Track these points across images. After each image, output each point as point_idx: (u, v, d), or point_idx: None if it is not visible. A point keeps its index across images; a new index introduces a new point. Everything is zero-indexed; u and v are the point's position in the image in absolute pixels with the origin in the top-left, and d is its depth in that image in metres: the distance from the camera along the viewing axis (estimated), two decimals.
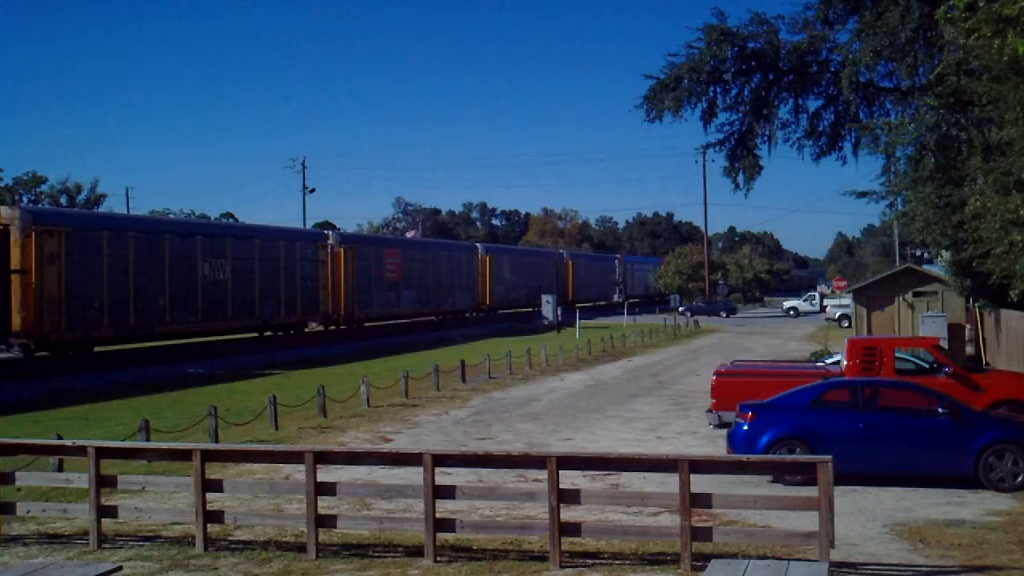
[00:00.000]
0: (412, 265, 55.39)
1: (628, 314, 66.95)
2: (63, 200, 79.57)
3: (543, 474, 10.40)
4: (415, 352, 40.50)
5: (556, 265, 78.18)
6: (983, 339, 31.51)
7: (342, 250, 47.43)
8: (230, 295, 39.12)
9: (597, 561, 10.21)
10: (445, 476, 11.81)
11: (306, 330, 46.26)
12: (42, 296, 30.02)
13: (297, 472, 13.08)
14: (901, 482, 13.85)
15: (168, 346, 37.83)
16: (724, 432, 16.34)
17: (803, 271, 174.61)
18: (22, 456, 13.40)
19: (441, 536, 10.46)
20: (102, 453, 11.44)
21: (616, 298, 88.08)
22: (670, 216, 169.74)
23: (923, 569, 9.99)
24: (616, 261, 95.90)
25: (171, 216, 75.29)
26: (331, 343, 44.86)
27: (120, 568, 9.03)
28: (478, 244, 71.11)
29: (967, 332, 33.17)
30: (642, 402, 24.58)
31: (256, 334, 42.69)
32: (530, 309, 72.41)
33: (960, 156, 19.89)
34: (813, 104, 25.41)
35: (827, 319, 65.27)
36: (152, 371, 32.15)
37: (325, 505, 11.42)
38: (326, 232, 48.14)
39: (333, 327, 48.10)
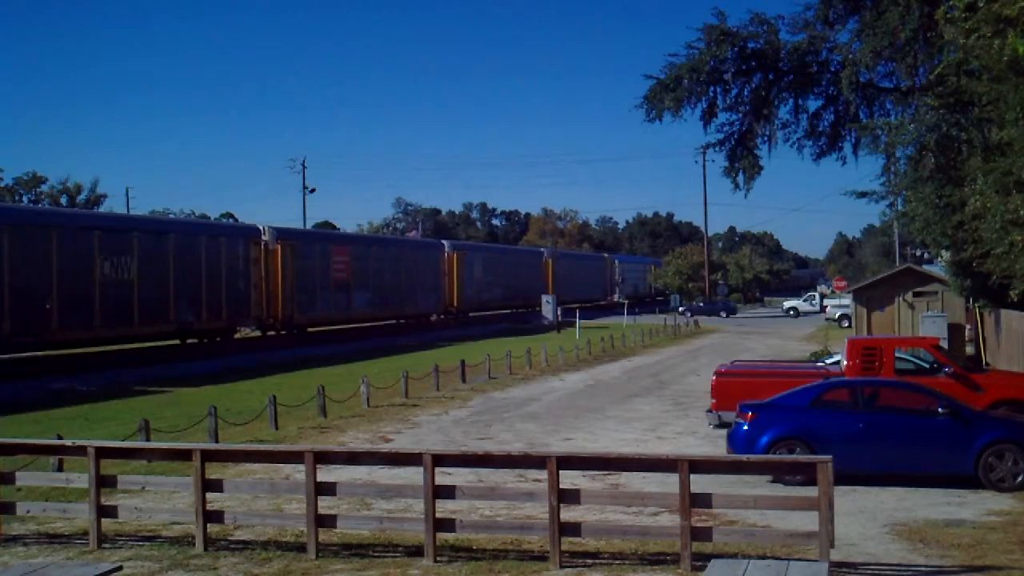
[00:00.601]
0: (366, 264, 50.99)
1: (628, 314, 66.94)
2: (63, 200, 79.51)
3: (543, 474, 10.40)
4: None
5: (536, 264, 76.17)
6: (983, 339, 31.51)
7: (279, 247, 43.05)
8: (137, 297, 34.66)
9: (597, 561, 10.21)
10: (445, 476, 11.80)
11: (236, 336, 42.60)
12: None
13: (297, 472, 13.08)
14: (901, 482, 13.85)
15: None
16: (724, 432, 16.34)
17: (803, 271, 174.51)
18: (22, 456, 13.40)
19: (441, 536, 10.46)
20: (102, 453, 11.44)
21: (616, 298, 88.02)
22: (670, 216, 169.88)
23: (923, 569, 9.99)
24: (604, 260, 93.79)
25: (66, 208, 67.69)
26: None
27: (120, 568, 9.03)
28: (444, 241, 66.90)
29: (967, 332, 33.18)
30: (642, 402, 24.58)
31: (177, 341, 38.70)
32: (508, 311, 70.05)
33: (960, 156, 19.89)
34: (813, 104, 25.39)
35: (827, 319, 65.29)
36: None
37: (325, 505, 11.41)
38: (259, 227, 43.81)
39: (272, 332, 44.20)
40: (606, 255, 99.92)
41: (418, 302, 57.13)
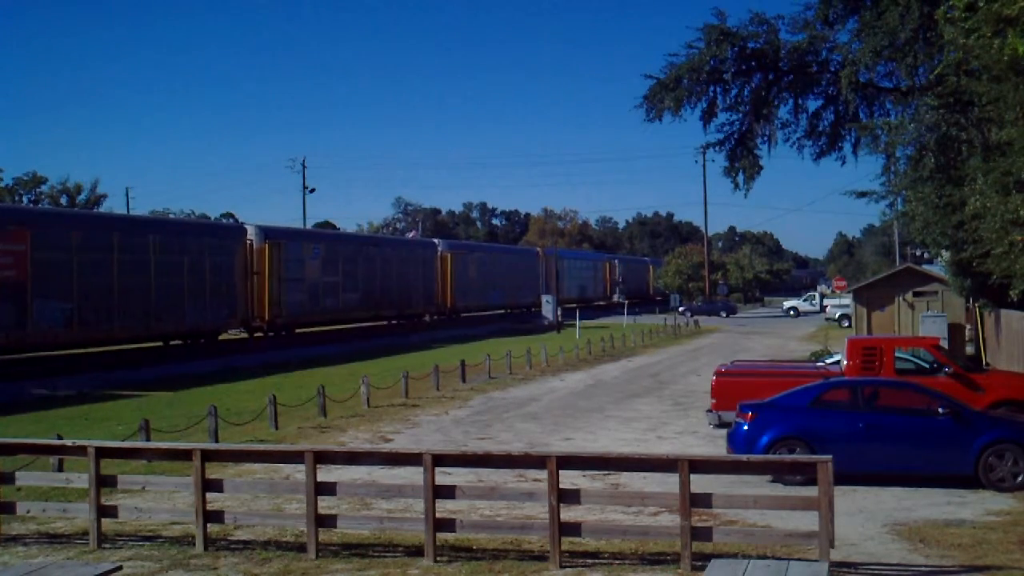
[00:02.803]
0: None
1: (628, 314, 66.96)
2: (63, 200, 79.48)
3: (543, 474, 10.40)
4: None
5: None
6: (983, 339, 31.50)
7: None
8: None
9: (597, 561, 10.21)
10: (445, 476, 11.80)
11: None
12: None
13: (297, 472, 13.08)
14: (901, 482, 13.85)
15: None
16: (724, 432, 16.34)
17: (803, 271, 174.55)
18: (22, 456, 13.41)
19: (441, 536, 10.47)
20: (102, 453, 11.44)
21: (616, 297, 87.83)
22: (670, 216, 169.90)
23: (923, 569, 9.99)
24: (537, 256, 78.16)
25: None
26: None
27: (120, 568, 9.03)
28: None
29: (967, 332, 33.16)
30: (642, 402, 24.58)
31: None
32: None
33: (960, 156, 19.89)
34: (813, 104, 25.39)
35: (827, 319, 65.27)
36: None
37: (325, 505, 11.42)
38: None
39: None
40: (538, 251, 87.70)
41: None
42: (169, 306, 36.30)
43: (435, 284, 58.79)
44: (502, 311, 68.78)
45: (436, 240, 65.92)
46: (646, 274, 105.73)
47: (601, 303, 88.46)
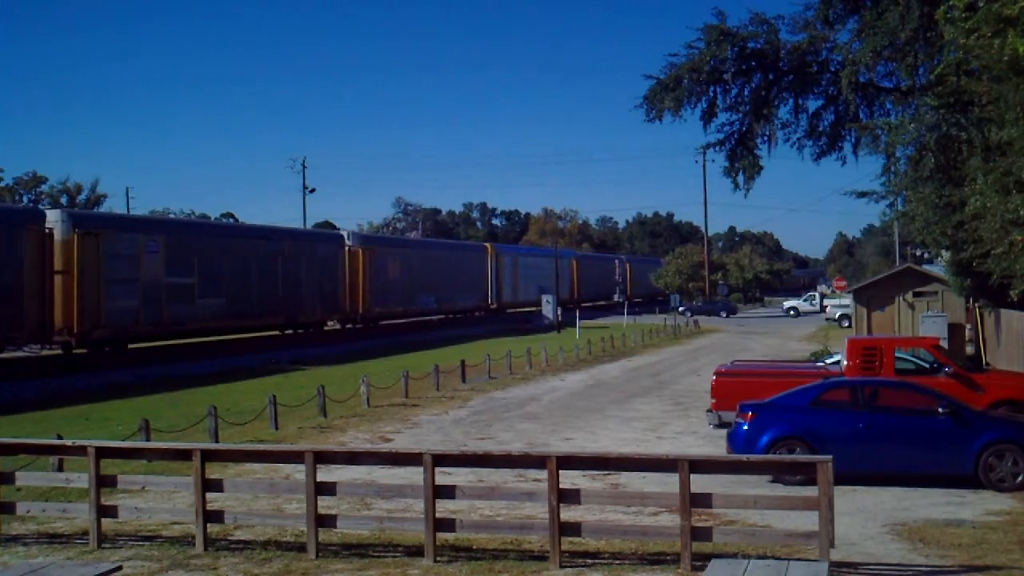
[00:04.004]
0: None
1: (628, 314, 66.97)
2: (63, 200, 79.45)
3: (543, 474, 10.40)
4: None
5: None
6: (983, 339, 31.51)
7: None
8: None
9: (597, 561, 10.21)
10: (445, 476, 11.80)
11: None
12: None
13: (297, 472, 13.08)
14: (901, 482, 13.85)
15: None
16: (724, 432, 16.34)
17: (803, 271, 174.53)
18: (22, 456, 13.41)
19: (441, 536, 10.46)
20: (102, 453, 11.44)
21: (616, 298, 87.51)
22: (670, 216, 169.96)
23: (923, 569, 9.98)
24: (485, 253, 67.44)
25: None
26: None
27: (120, 568, 9.03)
28: (344, 232, 53.48)
29: (967, 332, 33.17)
30: (642, 402, 24.58)
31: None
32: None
33: (960, 156, 19.86)
34: (813, 104, 25.35)
35: (827, 319, 65.30)
36: None
37: (325, 505, 11.42)
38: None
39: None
40: (487, 247, 74.76)
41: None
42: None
43: (340, 285, 47.89)
44: (438, 316, 58.46)
45: (344, 232, 53.09)
46: (612, 274, 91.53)
47: (568, 306, 75.03)
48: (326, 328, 48.60)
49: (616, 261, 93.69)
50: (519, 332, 55.07)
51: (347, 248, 48.59)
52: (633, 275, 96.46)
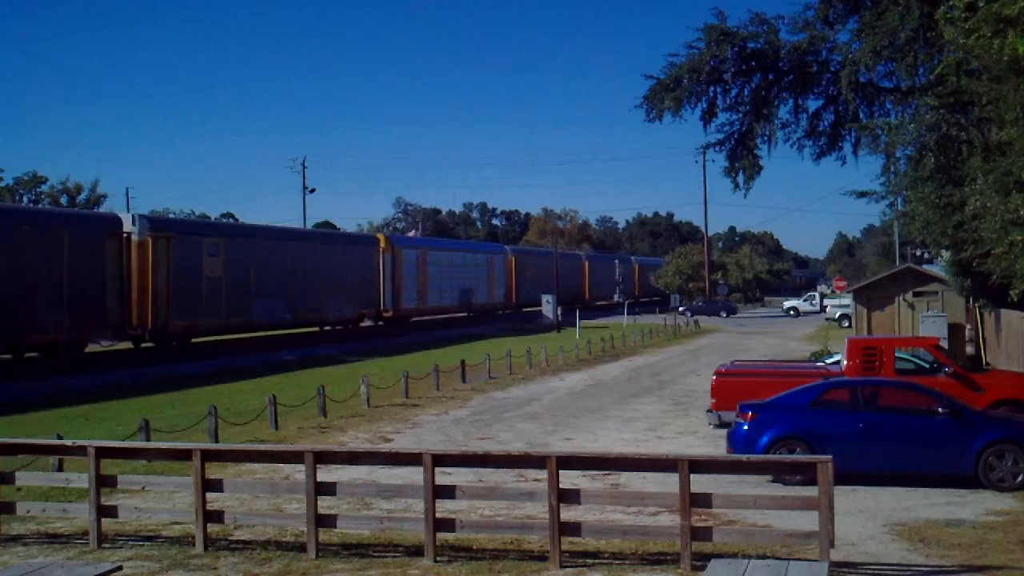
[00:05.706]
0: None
1: (628, 314, 66.96)
2: (63, 200, 79.44)
3: (543, 474, 10.39)
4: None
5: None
6: (983, 339, 31.50)
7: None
8: None
9: (597, 561, 10.21)
10: (445, 476, 11.79)
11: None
12: None
13: (297, 472, 13.08)
14: (901, 482, 13.85)
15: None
16: (724, 432, 16.34)
17: (803, 271, 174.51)
18: (22, 456, 13.40)
19: (441, 536, 10.46)
20: (102, 453, 11.45)
21: (616, 298, 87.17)
22: (670, 216, 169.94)
23: (923, 569, 9.99)
24: (376, 247, 53.26)
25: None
26: None
27: (120, 568, 9.03)
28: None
29: (967, 332, 33.16)
30: (642, 402, 24.58)
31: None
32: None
33: (960, 156, 19.86)
34: (813, 104, 25.32)
35: (827, 319, 65.29)
36: None
37: (325, 505, 11.42)
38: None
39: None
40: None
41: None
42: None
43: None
44: (285, 331, 45.53)
45: (117, 213, 40.42)
46: (580, 272, 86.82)
47: (505, 311, 68.99)
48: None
49: (616, 261, 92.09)
50: (519, 332, 55.06)
51: (131, 238, 34.80)
52: (640, 275, 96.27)
